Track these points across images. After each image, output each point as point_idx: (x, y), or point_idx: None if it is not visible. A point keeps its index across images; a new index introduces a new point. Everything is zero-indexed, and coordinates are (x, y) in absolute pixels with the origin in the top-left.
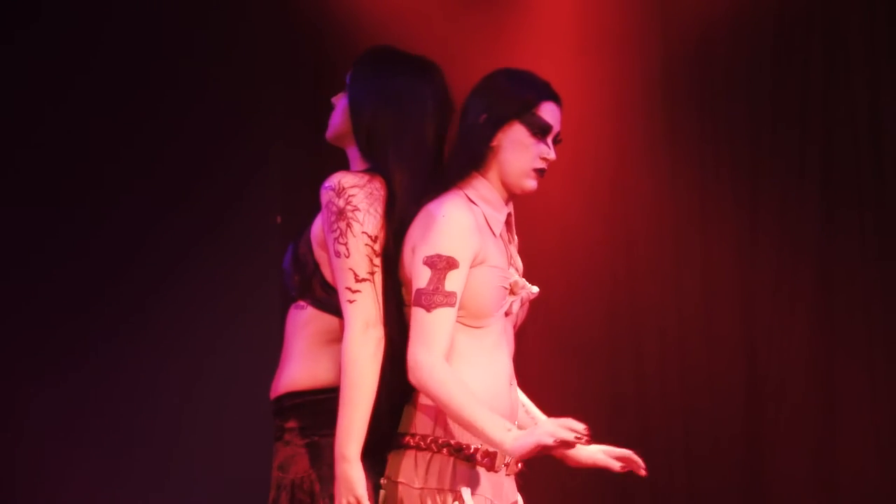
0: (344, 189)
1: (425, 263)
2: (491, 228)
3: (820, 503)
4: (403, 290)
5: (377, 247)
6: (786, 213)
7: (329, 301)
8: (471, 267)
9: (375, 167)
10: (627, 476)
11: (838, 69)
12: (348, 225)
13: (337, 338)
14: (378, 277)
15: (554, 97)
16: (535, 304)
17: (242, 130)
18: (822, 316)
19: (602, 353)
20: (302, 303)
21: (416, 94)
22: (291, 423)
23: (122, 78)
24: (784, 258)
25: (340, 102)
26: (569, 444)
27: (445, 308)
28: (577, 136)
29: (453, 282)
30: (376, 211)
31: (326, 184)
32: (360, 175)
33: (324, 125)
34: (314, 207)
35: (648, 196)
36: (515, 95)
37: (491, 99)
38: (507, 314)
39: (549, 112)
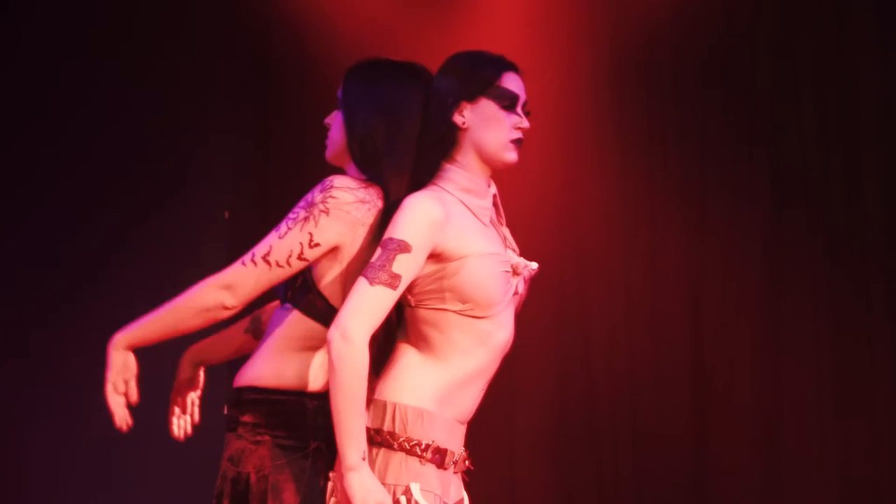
0: (332, 187)
1: (380, 245)
2: (478, 218)
3: (765, 500)
4: (406, 295)
5: (310, 253)
6: (734, 213)
7: (313, 307)
8: (455, 259)
9: (372, 178)
10: (575, 471)
11: (785, 67)
12: (306, 218)
13: (314, 346)
14: (280, 273)
15: (513, 67)
16: None
17: (190, 128)
18: (770, 314)
19: (550, 351)
20: (288, 306)
21: (406, 101)
22: (247, 418)
23: (61, 61)
24: (732, 257)
25: (335, 120)
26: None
27: (386, 288)
28: (526, 138)
29: (402, 265)
30: (344, 223)
31: (326, 179)
32: (358, 181)
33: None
34: (261, 204)
35: (597, 194)
36: (477, 72)
37: (453, 82)
38: (514, 295)
39: (512, 81)
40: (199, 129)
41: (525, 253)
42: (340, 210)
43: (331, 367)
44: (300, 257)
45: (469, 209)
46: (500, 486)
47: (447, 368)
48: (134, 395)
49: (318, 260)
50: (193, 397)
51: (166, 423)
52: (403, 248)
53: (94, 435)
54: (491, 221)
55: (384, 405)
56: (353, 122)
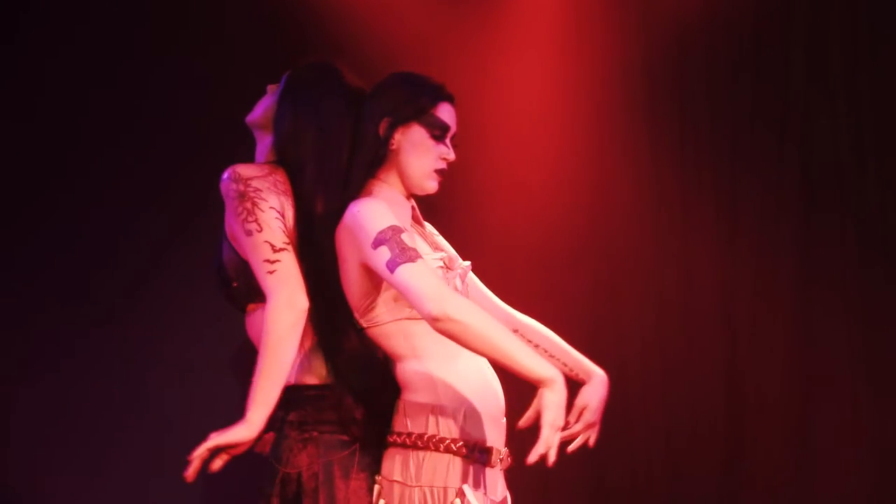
0: (241, 176)
1: (375, 246)
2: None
3: (798, 502)
4: (357, 317)
5: (287, 223)
6: (766, 217)
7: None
8: None
9: (282, 162)
10: (607, 472)
11: (818, 70)
12: (254, 203)
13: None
14: (292, 249)
15: (449, 98)
16: (516, 306)
17: (219, 136)
18: (802, 319)
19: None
20: (252, 306)
21: (342, 125)
22: (292, 416)
23: (100, 75)
24: (764, 261)
25: (270, 97)
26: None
27: (419, 260)
28: (558, 139)
29: (410, 241)
30: (280, 194)
31: (223, 175)
32: (260, 166)
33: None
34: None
35: (629, 198)
36: (412, 97)
37: (388, 102)
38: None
39: (446, 113)
40: (232, 132)
41: (557, 255)
42: (264, 186)
43: (462, 334)
44: (286, 229)
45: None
46: (534, 485)
47: (449, 364)
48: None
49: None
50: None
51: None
52: (397, 230)
53: (137, 438)
54: (413, 227)
55: (424, 409)
56: (281, 119)
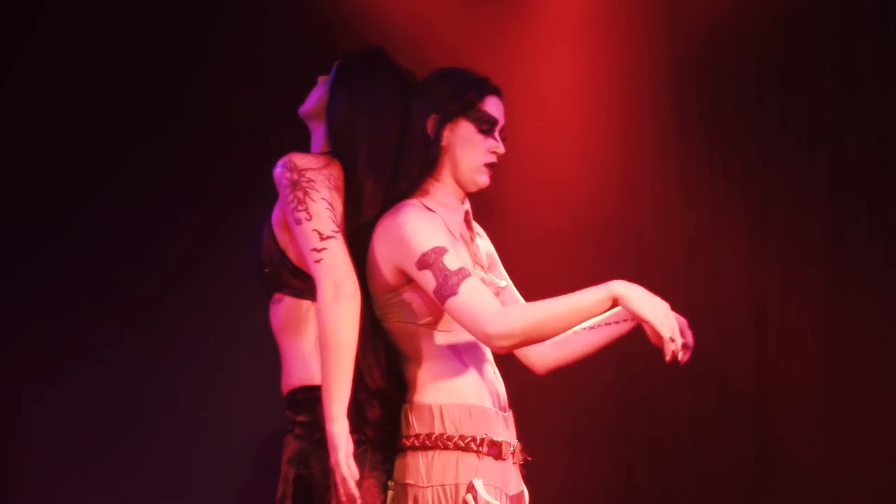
0: (297, 165)
1: (421, 268)
2: (451, 232)
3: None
4: (374, 307)
5: (337, 213)
6: (795, 217)
7: (302, 287)
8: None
9: (337, 153)
10: (635, 469)
11: (847, 70)
12: (305, 193)
13: None
14: (341, 237)
15: (496, 91)
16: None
17: (253, 135)
18: (832, 323)
19: (610, 350)
20: (278, 296)
21: (393, 108)
22: (303, 417)
23: (137, 81)
24: (794, 264)
25: (322, 87)
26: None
27: (466, 280)
28: (586, 138)
29: (454, 261)
30: (332, 189)
31: (278, 162)
32: (316, 157)
33: None
34: None
35: (657, 198)
36: (459, 93)
37: (435, 99)
38: None
39: (493, 106)
40: (260, 132)
41: (584, 253)
42: (317, 176)
43: (532, 341)
44: (336, 219)
45: (445, 223)
46: (561, 482)
47: (454, 365)
48: (357, 475)
49: (292, 242)
50: None
51: (224, 431)
52: (440, 251)
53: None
54: (461, 236)
55: (429, 409)
56: (335, 106)
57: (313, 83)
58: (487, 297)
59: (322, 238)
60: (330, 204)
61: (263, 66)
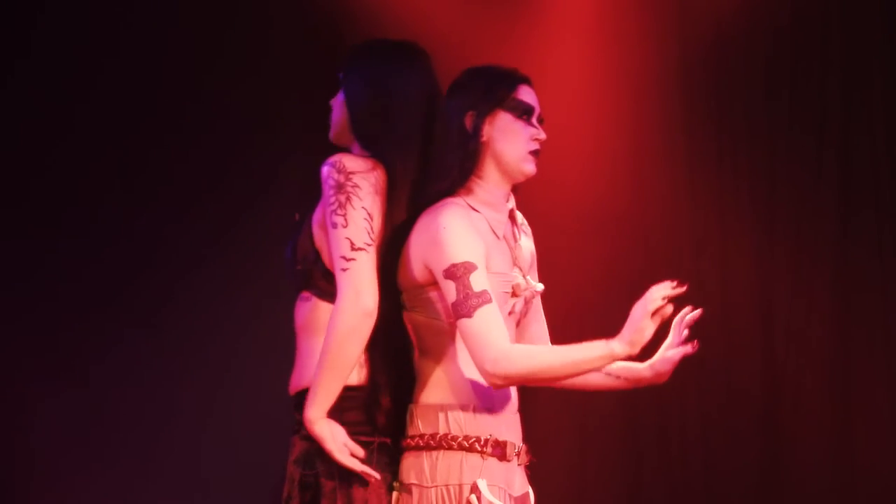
0: (345, 167)
1: (446, 277)
2: (494, 232)
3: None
4: (403, 297)
5: (375, 225)
6: (803, 217)
7: (331, 290)
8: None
9: (375, 156)
10: (644, 471)
11: (855, 70)
12: (348, 198)
13: None
14: (374, 249)
15: (526, 80)
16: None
17: (261, 135)
18: (840, 320)
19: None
20: (306, 294)
21: (403, 80)
22: None
23: (146, 84)
24: (802, 261)
25: (337, 101)
26: (663, 310)
27: (484, 306)
28: (594, 138)
29: (479, 282)
30: (376, 195)
31: (328, 160)
32: (365, 160)
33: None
34: None
35: (667, 200)
36: (491, 86)
37: (468, 96)
38: (510, 314)
39: (527, 94)
40: (269, 132)
41: (593, 252)
42: (364, 182)
43: (529, 382)
44: (373, 230)
45: (488, 223)
46: (570, 483)
47: (468, 364)
48: (360, 451)
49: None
50: None
51: (231, 430)
52: (469, 268)
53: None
54: (504, 237)
55: (434, 409)
56: (354, 104)
57: (320, 86)
58: (498, 329)
59: (353, 248)
60: (369, 214)
61: (272, 67)
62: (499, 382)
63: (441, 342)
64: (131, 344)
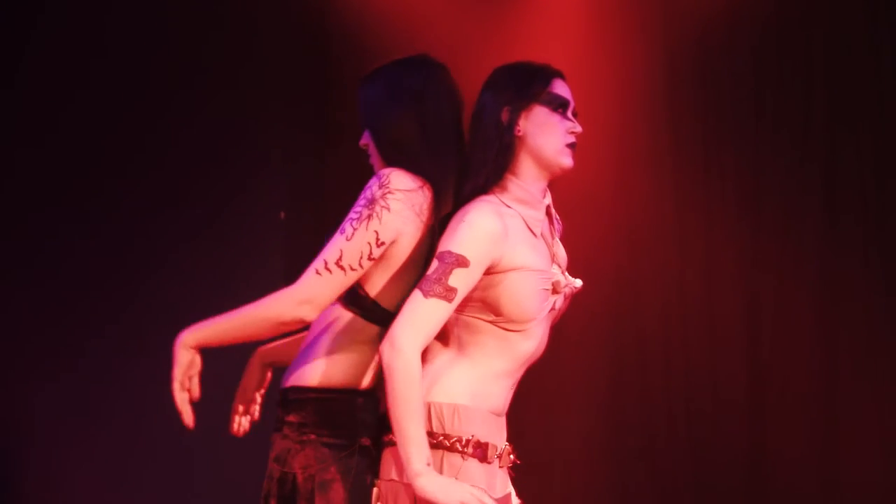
0: (389, 184)
1: (436, 257)
2: (531, 230)
3: (821, 497)
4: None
5: (377, 252)
6: (789, 215)
7: (359, 304)
8: (500, 272)
9: (420, 175)
10: (630, 466)
11: (840, 69)
12: (370, 216)
13: (361, 339)
14: (355, 275)
15: (559, 74)
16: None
17: (248, 132)
18: (825, 320)
19: (604, 347)
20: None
21: (422, 87)
22: (292, 418)
23: (131, 80)
24: (787, 261)
25: (365, 138)
26: None
27: (441, 301)
28: (581, 140)
29: (459, 279)
30: (404, 219)
31: (379, 171)
32: (414, 178)
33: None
34: (317, 204)
35: (652, 196)
36: (526, 81)
37: (503, 92)
38: (550, 311)
39: (561, 87)
40: (256, 130)
41: (574, 255)
42: (400, 204)
43: (385, 377)
44: (370, 257)
45: (524, 221)
46: (554, 480)
47: (475, 366)
48: (196, 392)
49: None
50: (257, 397)
51: (214, 424)
52: (461, 262)
53: (142, 435)
54: (542, 234)
55: None
56: (379, 132)
57: (307, 84)
58: (426, 327)
59: (338, 263)
60: (378, 240)
61: (258, 70)
62: (383, 348)
63: (460, 334)
64: (108, 339)
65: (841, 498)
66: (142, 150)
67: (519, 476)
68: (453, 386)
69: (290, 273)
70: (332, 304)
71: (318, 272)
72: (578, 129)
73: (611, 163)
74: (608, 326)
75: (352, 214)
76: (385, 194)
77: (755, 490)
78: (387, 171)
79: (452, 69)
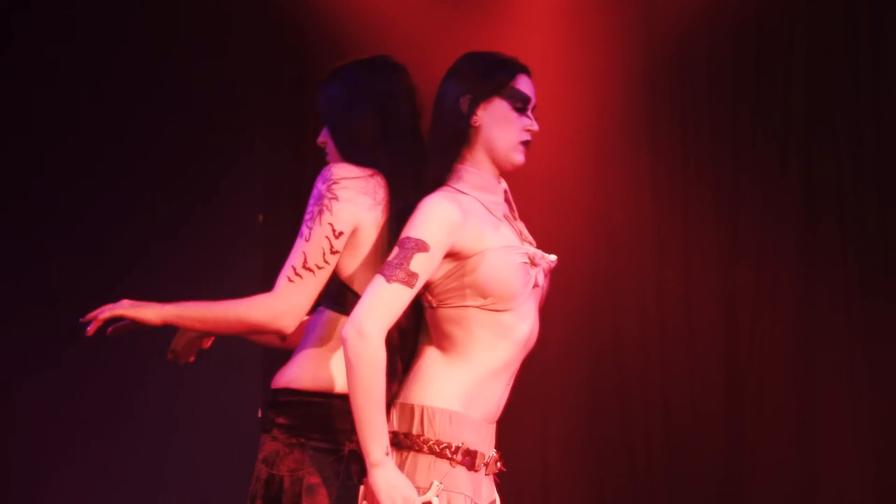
0: (333, 177)
1: (397, 244)
2: (492, 213)
3: (798, 494)
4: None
5: (338, 243)
6: (766, 214)
7: (344, 302)
8: (472, 255)
9: (378, 165)
10: (607, 464)
11: (819, 75)
12: (320, 211)
13: None
14: (325, 273)
15: (525, 70)
16: None
17: (224, 132)
18: (803, 323)
19: (581, 347)
20: (321, 307)
21: (387, 88)
22: (282, 420)
23: (106, 79)
24: (765, 264)
25: (323, 136)
26: None
27: (403, 286)
28: (558, 136)
29: (419, 264)
30: (357, 204)
31: (323, 170)
32: (361, 168)
33: (312, 130)
34: (294, 205)
35: (630, 196)
36: (491, 72)
37: (466, 80)
38: (534, 287)
39: (525, 84)
40: (233, 132)
41: (558, 251)
42: (348, 191)
43: (347, 364)
44: (332, 251)
45: (483, 206)
46: (534, 479)
47: (471, 365)
48: (100, 324)
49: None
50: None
51: (204, 426)
52: (421, 246)
53: (127, 434)
54: (504, 216)
55: (411, 408)
56: (337, 129)
57: (281, 84)
58: (388, 312)
59: (305, 265)
60: (335, 231)
61: (233, 67)
62: (345, 332)
63: (424, 341)
64: (97, 342)
65: (818, 499)
66: (118, 150)
67: (500, 482)
68: (447, 389)
69: (268, 272)
70: (323, 311)
71: (289, 279)
72: (535, 127)
73: (589, 163)
74: (586, 326)
75: (305, 216)
76: (330, 186)
77: (732, 490)
78: (328, 166)
79: (430, 69)
